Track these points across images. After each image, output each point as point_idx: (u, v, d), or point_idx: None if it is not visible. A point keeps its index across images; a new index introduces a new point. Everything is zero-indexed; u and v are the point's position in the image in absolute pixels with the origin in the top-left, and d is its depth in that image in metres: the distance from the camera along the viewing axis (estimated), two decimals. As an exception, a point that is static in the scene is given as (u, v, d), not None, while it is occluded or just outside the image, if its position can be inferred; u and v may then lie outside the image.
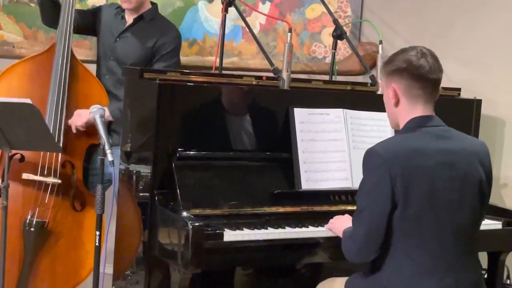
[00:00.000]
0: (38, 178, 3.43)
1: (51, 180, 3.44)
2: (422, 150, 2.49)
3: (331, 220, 2.93)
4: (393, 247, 2.49)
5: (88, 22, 3.83)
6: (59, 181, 3.46)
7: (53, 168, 3.46)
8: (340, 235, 2.70)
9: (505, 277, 3.60)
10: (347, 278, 2.74)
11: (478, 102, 3.76)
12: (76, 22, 3.67)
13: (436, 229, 2.47)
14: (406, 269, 2.48)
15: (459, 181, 2.50)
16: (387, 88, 2.59)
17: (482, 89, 3.85)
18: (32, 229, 3.40)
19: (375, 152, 2.49)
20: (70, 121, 3.53)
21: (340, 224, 2.81)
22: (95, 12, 3.89)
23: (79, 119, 3.52)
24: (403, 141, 2.54)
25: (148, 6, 3.82)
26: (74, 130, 3.53)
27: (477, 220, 2.60)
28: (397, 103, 2.58)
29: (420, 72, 2.52)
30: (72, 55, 3.57)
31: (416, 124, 2.55)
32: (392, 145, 2.53)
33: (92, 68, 3.83)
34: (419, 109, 2.56)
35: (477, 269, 2.61)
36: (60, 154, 3.45)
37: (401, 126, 2.60)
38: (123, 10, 3.81)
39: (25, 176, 3.43)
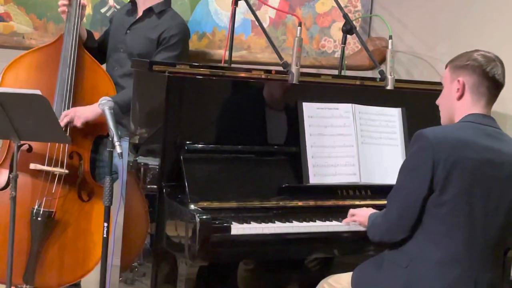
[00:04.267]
0: (45, 168, 3.44)
1: (58, 170, 3.45)
2: (470, 143, 2.51)
3: (351, 211, 2.95)
4: (420, 232, 2.52)
5: (100, 52, 3.82)
6: (67, 171, 3.47)
7: (60, 158, 3.47)
8: (365, 222, 2.74)
9: (512, 274, 3.59)
10: (349, 273, 2.75)
11: (488, 99, 3.74)
12: (94, 43, 3.75)
13: (467, 222, 2.49)
14: (430, 255, 2.50)
15: (500, 182, 2.52)
16: (451, 82, 2.62)
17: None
18: (39, 218, 3.41)
19: (423, 135, 2.52)
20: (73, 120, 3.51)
21: (364, 213, 2.84)
22: (107, 32, 3.89)
23: (78, 119, 3.51)
24: (453, 130, 2.57)
25: (159, -1, 3.82)
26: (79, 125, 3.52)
27: (509, 226, 2.60)
28: (460, 97, 2.61)
29: (493, 72, 2.58)
30: (80, 46, 3.57)
31: (471, 119, 2.58)
32: (442, 131, 2.57)
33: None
34: (480, 107, 2.59)
35: (498, 271, 2.62)
36: (67, 144, 3.46)
37: (456, 121, 2.62)
38: (134, 4, 3.81)
39: (32, 166, 3.44)
